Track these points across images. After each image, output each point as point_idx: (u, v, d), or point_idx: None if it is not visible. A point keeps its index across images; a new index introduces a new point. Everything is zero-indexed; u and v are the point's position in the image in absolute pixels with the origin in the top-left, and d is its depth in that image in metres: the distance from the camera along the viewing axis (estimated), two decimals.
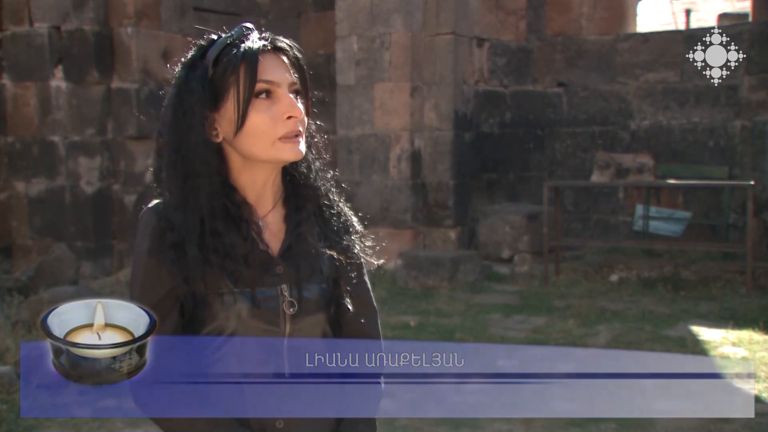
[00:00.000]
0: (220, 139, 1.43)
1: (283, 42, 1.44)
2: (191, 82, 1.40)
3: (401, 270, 7.51)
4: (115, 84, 7.80)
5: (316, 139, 1.54)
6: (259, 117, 1.39)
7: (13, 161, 7.82)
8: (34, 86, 7.67)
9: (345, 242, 1.53)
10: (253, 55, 1.38)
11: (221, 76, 1.39)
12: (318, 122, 1.55)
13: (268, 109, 1.39)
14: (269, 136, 1.39)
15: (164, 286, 1.42)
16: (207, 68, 1.40)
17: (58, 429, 4.00)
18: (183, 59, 1.44)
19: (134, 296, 1.44)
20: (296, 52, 1.45)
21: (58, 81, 7.64)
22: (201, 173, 1.41)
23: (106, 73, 7.75)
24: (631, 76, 8.91)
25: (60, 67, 7.64)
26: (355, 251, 1.54)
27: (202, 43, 1.44)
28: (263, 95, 1.39)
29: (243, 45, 1.39)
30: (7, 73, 7.76)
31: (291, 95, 1.41)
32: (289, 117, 1.39)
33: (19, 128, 7.76)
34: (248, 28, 1.43)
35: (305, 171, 1.51)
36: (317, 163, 1.54)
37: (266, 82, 1.39)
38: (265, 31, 1.45)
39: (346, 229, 1.56)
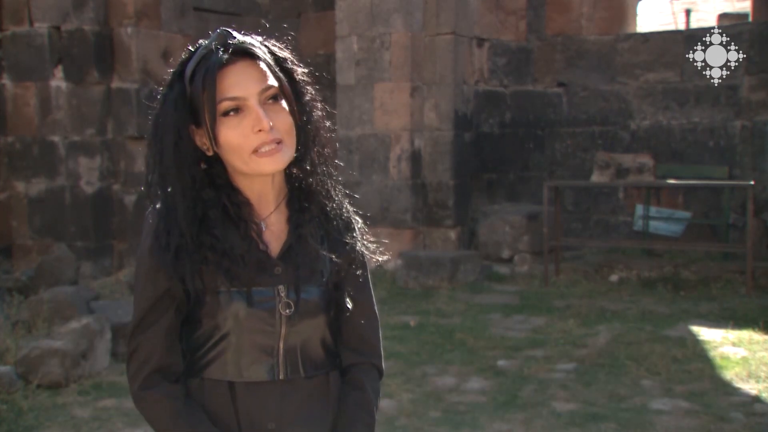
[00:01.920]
0: (211, 153, 1.43)
1: (255, 48, 1.40)
2: (167, 103, 1.40)
3: (401, 270, 7.51)
4: (115, 84, 7.80)
5: (321, 137, 1.51)
6: (229, 134, 1.38)
7: (13, 161, 7.82)
8: (34, 86, 7.66)
9: (348, 243, 1.51)
10: (211, 75, 1.36)
11: (194, 95, 1.39)
12: (323, 111, 1.51)
13: (238, 125, 1.37)
14: (243, 152, 1.38)
15: (162, 285, 1.42)
16: (185, 87, 1.39)
17: (58, 429, 4.00)
18: (168, 76, 1.44)
19: (136, 294, 1.46)
20: (269, 57, 1.42)
21: (58, 81, 7.63)
22: (176, 191, 1.40)
23: (106, 73, 7.75)
24: (631, 76, 8.91)
25: (60, 67, 7.63)
26: (357, 249, 1.52)
27: (183, 57, 1.43)
28: (232, 112, 1.38)
29: (207, 62, 1.37)
30: (7, 73, 7.76)
31: (263, 103, 1.38)
32: (259, 130, 1.37)
33: (19, 128, 7.76)
34: (220, 36, 1.40)
35: (309, 170, 1.49)
36: (322, 162, 1.51)
37: (231, 99, 1.37)
38: (242, 34, 1.41)
39: (347, 226, 1.54)
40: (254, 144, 1.37)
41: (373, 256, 1.56)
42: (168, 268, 1.40)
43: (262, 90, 1.38)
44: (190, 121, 1.40)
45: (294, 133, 1.43)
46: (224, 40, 1.39)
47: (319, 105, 1.50)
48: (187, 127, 1.40)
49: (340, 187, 1.56)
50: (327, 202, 1.52)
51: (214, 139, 1.38)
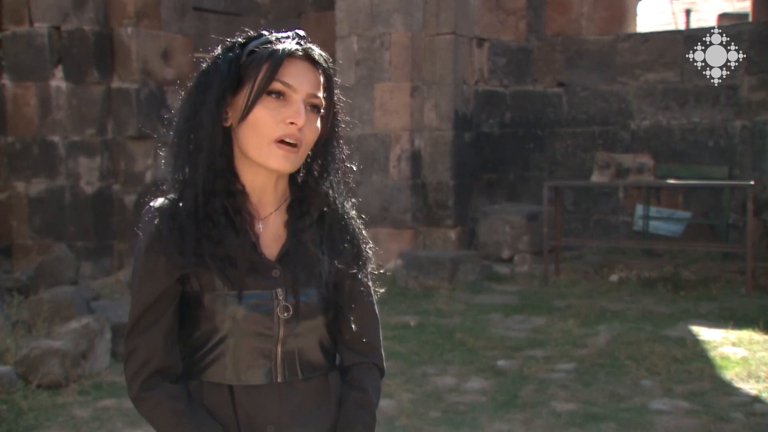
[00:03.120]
0: (228, 124, 1.44)
1: (320, 56, 1.45)
2: (220, 62, 1.43)
3: (401, 270, 7.51)
4: (115, 84, 7.80)
5: (344, 165, 1.54)
6: (262, 112, 1.39)
7: (13, 161, 7.82)
8: (34, 86, 7.67)
9: (351, 263, 1.51)
10: (280, 55, 1.40)
11: (248, 65, 1.41)
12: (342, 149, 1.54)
13: (276, 109, 1.40)
14: (266, 135, 1.40)
15: (161, 284, 1.42)
16: (241, 55, 1.42)
17: (58, 429, 4.00)
18: (227, 41, 1.47)
19: (134, 294, 1.45)
20: (330, 70, 1.46)
21: (58, 81, 7.64)
22: (203, 147, 1.42)
23: (106, 73, 7.75)
24: (631, 76, 8.91)
25: (60, 67, 7.64)
26: (359, 275, 1.52)
27: (252, 33, 1.47)
28: (276, 94, 1.40)
29: (279, 45, 1.41)
30: (7, 73, 7.77)
31: (305, 106, 1.41)
32: (292, 123, 1.39)
33: (19, 128, 7.76)
34: (297, 34, 1.45)
35: (325, 191, 1.50)
36: (340, 187, 1.53)
37: (283, 83, 1.39)
38: (311, 42, 1.46)
39: (356, 255, 1.53)
40: (280, 132, 1.39)
41: (372, 287, 1.57)
42: (172, 241, 1.39)
43: (311, 94, 1.42)
44: (229, 88, 1.42)
45: (310, 148, 1.46)
46: (299, 38, 1.44)
47: (345, 147, 1.55)
48: (228, 90, 1.42)
49: (353, 208, 1.58)
50: (336, 221, 1.53)
51: (248, 109, 1.39)
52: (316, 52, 1.45)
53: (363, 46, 8.27)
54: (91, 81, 7.68)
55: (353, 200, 1.58)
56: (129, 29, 7.74)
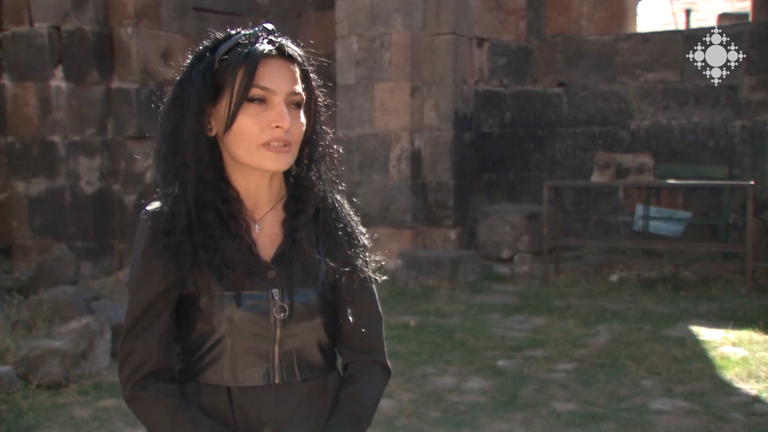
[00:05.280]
0: (213, 134, 1.42)
1: (294, 51, 1.43)
2: (194, 73, 1.40)
3: (401, 270, 7.51)
4: (115, 84, 7.80)
5: (330, 150, 1.52)
6: (246, 120, 1.38)
7: (13, 161, 7.82)
8: (34, 86, 7.66)
9: (347, 252, 1.51)
10: (254, 59, 1.37)
11: (223, 73, 1.39)
12: (330, 130, 1.53)
13: (258, 114, 1.38)
14: (253, 142, 1.38)
15: (157, 287, 1.42)
16: (213, 62, 1.40)
17: (58, 429, 4.00)
18: (197, 48, 1.44)
19: (131, 297, 1.45)
20: (306, 63, 1.44)
21: (58, 81, 7.63)
22: (190, 164, 1.40)
23: (106, 73, 7.75)
24: (631, 76, 8.91)
25: (60, 67, 7.63)
26: (357, 263, 1.51)
27: (219, 36, 1.44)
28: (257, 100, 1.38)
29: (250, 47, 1.39)
30: (7, 73, 7.76)
31: (287, 105, 1.39)
32: (277, 126, 1.38)
33: (19, 128, 7.76)
34: (265, 30, 1.42)
35: (314, 179, 1.49)
36: (329, 174, 1.52)
37: (262, 88, 1.38)
38: (281, 35, 1.43)
39: (351, 243, 1.52)
40: (267, 137, 1.38)
41: (372, 275, 1.55)
42: (169, 256, 1.39)
43: (291, 92, 1.40)
44: (207, 98, 1.40)
45: (300, 143, 1.45)
46: (269, 34, 1.42)
47: (330, 131, 1.53)
48: (207, 101, 1.40)
49: (350, 207, 1.57)
50: (332, 216, 1.52)
51: (231, 119, 1.38)
52: (290, 47, 1.42)
53: (363, 46, 8.27)
54: (91, 81, 7.68)
55: (343, 186, 1.57)
56: (129, 29, 7.74)
